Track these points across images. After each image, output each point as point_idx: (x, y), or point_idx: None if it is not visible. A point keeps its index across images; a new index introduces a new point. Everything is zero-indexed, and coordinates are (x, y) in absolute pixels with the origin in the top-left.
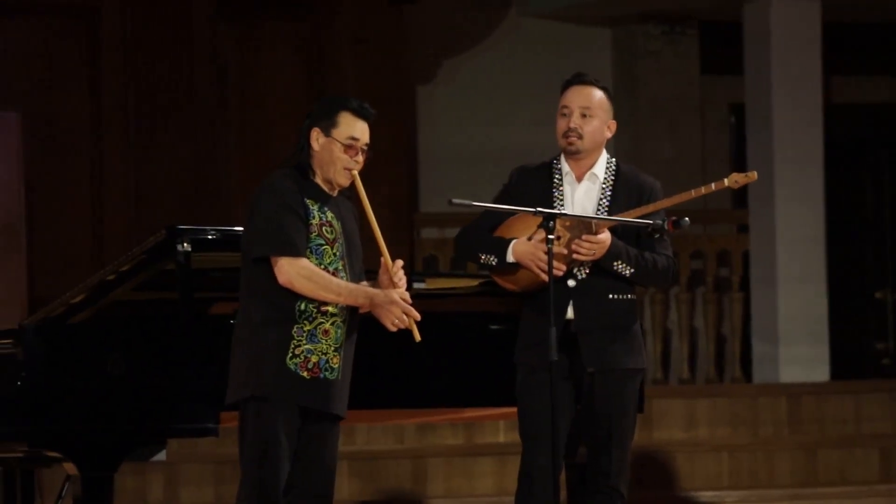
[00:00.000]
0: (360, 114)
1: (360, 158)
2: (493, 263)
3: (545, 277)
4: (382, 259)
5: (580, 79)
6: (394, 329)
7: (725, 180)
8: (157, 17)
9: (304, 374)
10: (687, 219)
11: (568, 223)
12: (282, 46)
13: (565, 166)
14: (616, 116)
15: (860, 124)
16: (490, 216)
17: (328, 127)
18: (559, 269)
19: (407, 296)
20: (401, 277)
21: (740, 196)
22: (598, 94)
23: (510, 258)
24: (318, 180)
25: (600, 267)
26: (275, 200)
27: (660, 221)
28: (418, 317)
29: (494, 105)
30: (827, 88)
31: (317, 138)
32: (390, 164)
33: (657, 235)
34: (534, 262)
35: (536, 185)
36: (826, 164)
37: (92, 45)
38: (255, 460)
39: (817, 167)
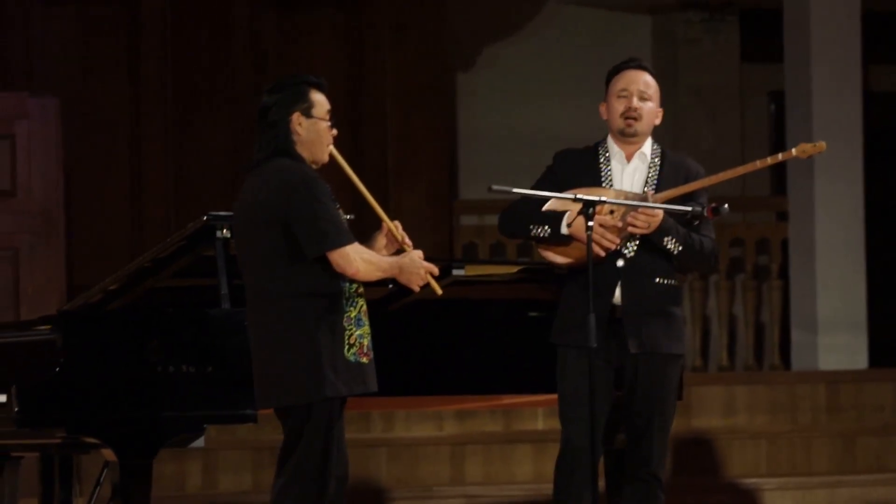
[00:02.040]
0: (323, 88)
1: (335, 131)
2: (546, 235)
3: (599, 251)
4: (384, 223)
5: (637, 63)
6: (417, 289)
7: (794, 150)
8: (196, 2)
9: (364, 359)
10: (727, 206)
11: (623, 197)
12: (322, 33)
13: (614, 147)
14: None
15: None
16: (530, 201)
17: (307, 109)
18: (613, 241)
19: (422, 254)
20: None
21: (780, 183)
22: (653, 80)
23: (565, 230)
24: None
25: (648, 246)
26: (317, 193)
27: (699, 208)
28: (437, 271)
29: (534, 92)
30: (866, 77)
31: (299, 122)
32: (430, 150)
33: (696, 222)
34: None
35: (582, 166)
36: (865, 153)
37: (131, 31)
38: (315, 459)
39: (857, 155)
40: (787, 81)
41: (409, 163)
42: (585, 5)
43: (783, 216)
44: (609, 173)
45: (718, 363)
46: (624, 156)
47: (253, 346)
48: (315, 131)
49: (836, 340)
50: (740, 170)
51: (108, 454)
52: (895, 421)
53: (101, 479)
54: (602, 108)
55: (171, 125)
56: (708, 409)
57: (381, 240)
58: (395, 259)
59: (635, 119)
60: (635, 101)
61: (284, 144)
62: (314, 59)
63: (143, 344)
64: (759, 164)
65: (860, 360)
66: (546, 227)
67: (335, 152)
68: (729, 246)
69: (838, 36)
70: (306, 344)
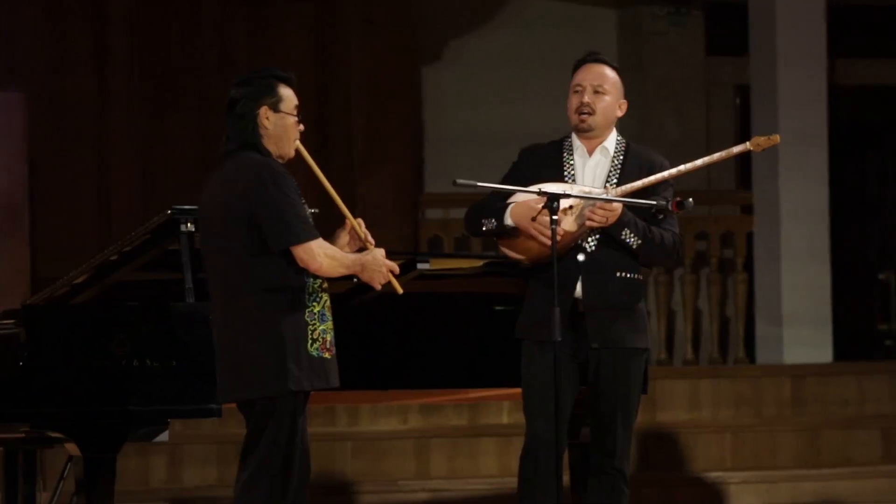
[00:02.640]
0: (291, 83)
1: (302, 126)
2: (493, 227)
3: (544, 240)
4: (347, 220)
5: (593, 57)
6: (379, 288)
7: (748, 143)
8: None
9: (327, 354)
10: (691, 199)
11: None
12: (289, 26)
13: (576, 141)
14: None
15: (865, 106)
16: (497, 197)
17: (275, 103)
18: (566, 237)
19: (384, 251)
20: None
21: (745, 177)
22: (611, 73)
23: (508, 220)
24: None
25: (609, 241)
26: (284, 187)
27: (664, 202)
28: (398, 269)
29: (500, 86)
30: (832, 70)
31: (267, 116)
32: (396, 144)
33: (661, 216)
34: (531, 226)
35: (546, 161)
36: (830, 146)
37: (98, 25)
38: (279, 453)
39: (822, 148)
40: (752, 75)
41: (376, 156)
42: None
43: (748, 210)
44: (571, 168)
45: (683, 357)
46: (586, 150)
47: (216, 339)
48: (282, 126)
49: (801, 334)
50: (699, 163)
51: (72, 448)
52: (859, 414)
53: (65, 474)
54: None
55: (138, 119)
56: (673, 403)
57: (344, 237)
58: (357, 256)
59: (588, 114)
60: (587, 97)
61: (252, 138)
62: (281, 53)
63: (107, 338)
64: (716, 157)
65: (825, 354)
66: (492, 220)
67: (301, 148)
68: (694, 239)
69: (804, 29)
70: (269, 338)
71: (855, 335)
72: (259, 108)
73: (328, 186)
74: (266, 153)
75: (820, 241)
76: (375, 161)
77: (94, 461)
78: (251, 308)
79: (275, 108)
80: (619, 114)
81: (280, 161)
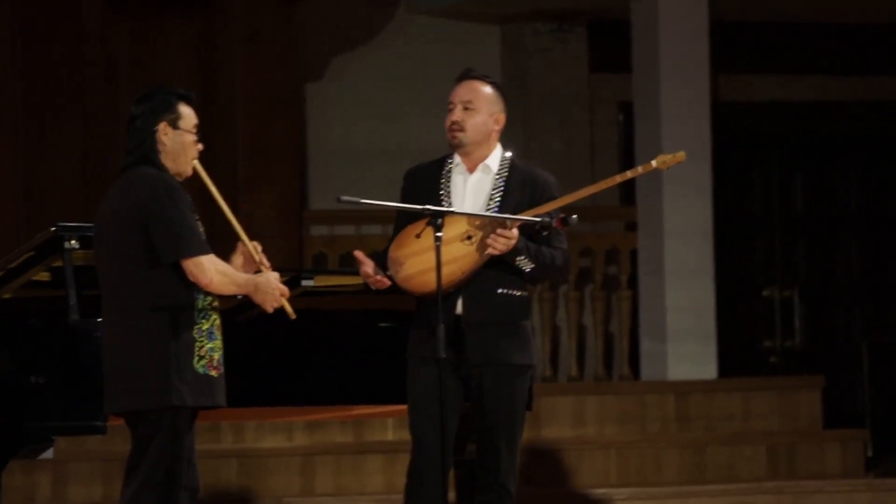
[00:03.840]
0: (191, 102)
1: (201, 145)
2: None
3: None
4: (240, 243)
5: (466, 74)
6: (271, 311)
7: (653, 162)
8: (46, 11)
9: (213, 373)
10: (575, 216)
11: (478, 222)
12: (173, 42)
13: (457, 159)
14: (506, 112)
15: (749, 122)
16: (398, 221)
17: (174, 120)
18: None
19: (278, 276)
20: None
21: (629, 194)
22: (484, 88)
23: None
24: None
25: (491, 259)
26: (177, 201)
27: (548, 219)
28: (289, 293)
29: (384, 102)
30: (715, 86)
31: (165, 132)
32: (280, 161)
33: (545, 233)
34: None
35: (426, 181)
36: (715, 162)
37: None
38: (164, 468)
39: (705, 163)
40: (635, 91)
41: (260, 172)
42: (434, 15)
43: (632, 226)
44: (448, 187)
45: (568, 373)
46: (466, 168)
47: (104, 351)
48: (180, 143)
49: (685, 350)
50: (602, 184)
51: None
52: (745, 430)
53: None
54: None
55: (22, 135)
56: (558, 420)
57: (239, 259)
58: (250, 276)
59: (458, 131)
60: (456, 114)
61: (150, 153)
62: (166, 67)
63: None
64: (619, 178)
65: (709, 370)
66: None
67: (199, 166)
68: (578, 256)
69: (686, 44)
70: (155, 352)
71: (739, 352)
72: (158, 124)
73: (225, 207)
74: (163, 168)
75: (704, 257)
76: (260, 177)
77: None
78: (139, 321)
79: (174, 124)
80: (496, 128)
81: (178, 178)
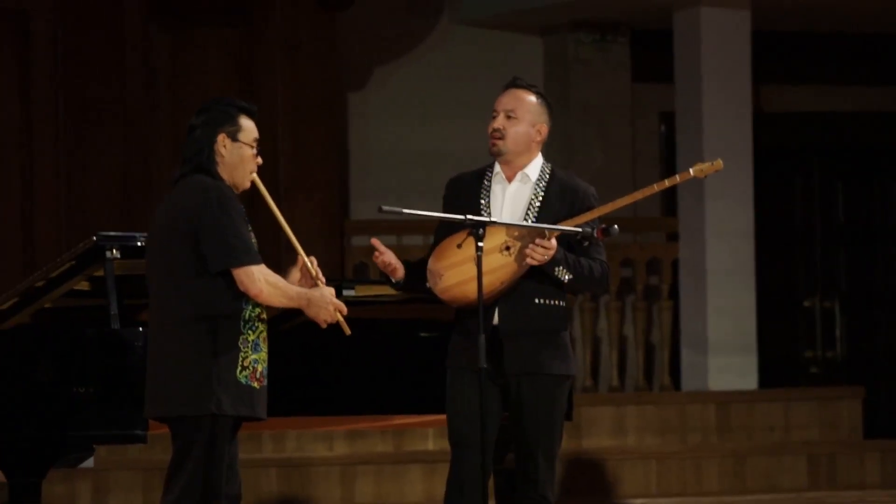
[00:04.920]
0: (253, 115)
1: (260, 159)
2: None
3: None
4: (299, 257)
5: (513, 83)
6: (325, 326)
7: (691, 170)
8: (88, 21)
9: (255, 384)
10: (616, 227)
11: (517, 232)
12: (214, 52)
13: (497, 167)
14: (550, 124)
15: (790, 133)
16: (438, 231)
17: (234, 132)
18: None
19: (333, 291)
20: (321, 273)
21: (670, 204)
22: (528, 98)
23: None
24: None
25: (530, 269)
26: (230, 210)
27: (589, 229)
28: (346, 310)
29: (426, 112)
30: (757, 97)
31: (224, 144)
32: (321, 170)
33: (586, 244)
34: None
35: (467, 191)
36: (756, 173)
37: (21, 51)
38: (203, 475)
39: (747, 175)
40: (677, 102)
41: (301, 181)
42: (477, 26)
43: (674, 237)
44: (487, 197)
45: (609, 383)
46: (505, 177)
47: (149, 358)
48: (238, 155)
49: (726, 361)
50: (638, 194)
51: None
52: (785, 441)
53: None
54: None
55: (63, 144)
56: (598, 430)
57: (296, 274)
58: (303, 290)
59: (498, 139)
60: (498, 122)
61: (207, 164)
62: (206, 78)
63: (33, 363)
64: (656, 187)
65: (750, 381)
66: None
67: (258, 181)
68: (620, 266)
69: (728, 56)
70: (198, 359)
71: (780, 362)
72: (217, 135)
73: (282, 221)
74: (219, 179)
75: (745, 267)
76: (300, 186)
77: (19, 486)
78: (183, 329)
79: (233, 137)
80: (538, 138)
81: (234, 190)
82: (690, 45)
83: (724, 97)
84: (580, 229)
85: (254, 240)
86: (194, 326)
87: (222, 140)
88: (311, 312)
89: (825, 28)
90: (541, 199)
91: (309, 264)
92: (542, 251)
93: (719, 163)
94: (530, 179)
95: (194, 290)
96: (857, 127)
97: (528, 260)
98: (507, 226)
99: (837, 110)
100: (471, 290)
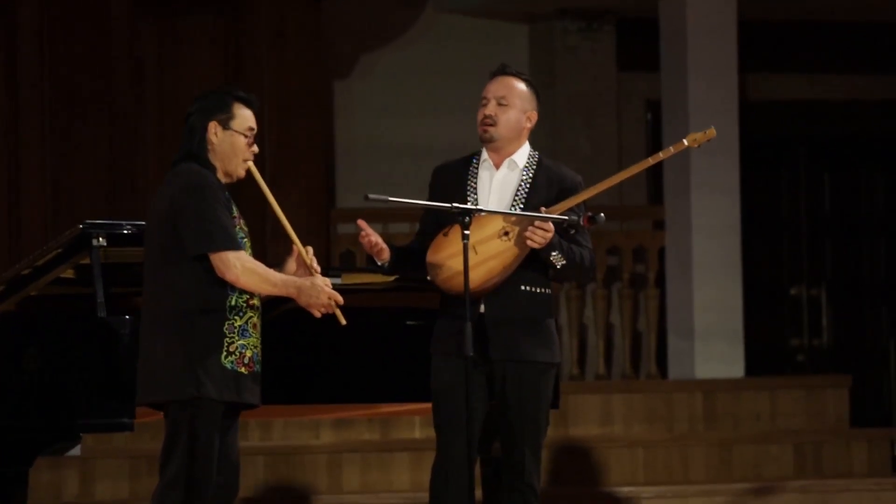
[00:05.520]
0: (250, 104)
1: (256, 148)
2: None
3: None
4: (294, 247)
5: (501, 70)
6: (319, 315)
7: (685, 140)
8: (74, 9)
9: (243, 370)
10: (602, 215)
11: (513, 218)
12: (200, 40)
13: (484, 154)
14: (538, 111)
15: (776, 121)
16: (422, 220)
17: (226, 120)
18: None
19: (329, 281)
20: (316, 263)
21: (656, 192)
22: (518, 85)
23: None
24: (219, 174)
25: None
26: (209, 196)
27: (575, 217)
28: (342, 300)
29: (412, 100)
30: (743, 86)
31: (215, 132)
32: (307, 159)
33: (573, 231)
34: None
35: (454, 178)
36: (742, 161)
37: (8, 39)
38: (190, 461)
39: (733, 162)
40: (663, 90)
41: (287, 170)
42: (462, 13)
43: (660, 225)
44: (474, 184)
45: (595, 372)
46: (493, 164)
47: (140, 343)
48: (230, 143)
49: (713, 349)
50: (634, 168)
51: None
52: (772, 429)
53: None
54: None
55: (49, 133)
56: (585, 418)
57: (292, 264)
58: (291, 278)
59: (489, 125)
60: (489, 109)
61: (197, 151)
62: (192, 66)
63: (19, 351)
64: (651, 160)
65: (736, 369)
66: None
67: (254, 169)
68: (606, 254)
69: (714, 45)
70: (182, 344)
71: (766, 350)
72: (209, 122)
73: (278, 210)
74: (209, 167)
75: (732, 255)
76: (287, 175)
77: (5, 475)
78: (170, 314)
79: (224, 125)
80: (528, 125)
81: (227, 179)
82: (677, 33)
83: (710, 85)
84: (566, 217)
85: (245, 228)
86: (179, 312)
87: (213, 128)
88: (303, 301)
89: (812, 17)
90: (528, 186)
91: (304, 252)
92: (542, 233)
93: (712, 131)
94: (518, 166)
95: (176, 275)
96: (844, 116)
97: (529, 242)
98: (493, 213)
99: (824, 99)
100: (473, 277)
